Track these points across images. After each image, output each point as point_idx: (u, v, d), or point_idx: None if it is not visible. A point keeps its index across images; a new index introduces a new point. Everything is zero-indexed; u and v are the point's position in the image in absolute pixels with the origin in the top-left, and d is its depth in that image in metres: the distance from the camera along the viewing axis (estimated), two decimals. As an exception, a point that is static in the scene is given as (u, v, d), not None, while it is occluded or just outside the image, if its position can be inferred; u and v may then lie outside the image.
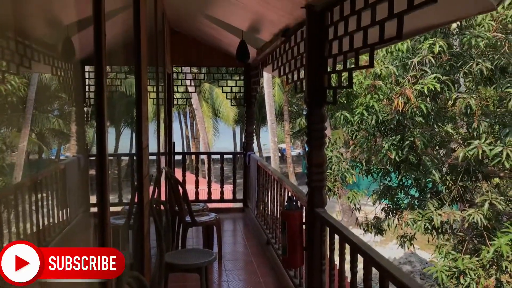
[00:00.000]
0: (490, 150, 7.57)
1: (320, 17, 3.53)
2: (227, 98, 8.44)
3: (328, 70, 3.53)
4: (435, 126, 9.70)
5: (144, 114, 3.25)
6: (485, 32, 8.22)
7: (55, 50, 3.49)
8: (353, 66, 2.96)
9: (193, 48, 7.73)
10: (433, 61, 8.39)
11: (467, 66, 8.28)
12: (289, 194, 4.75)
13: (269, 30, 5.12)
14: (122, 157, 8.57)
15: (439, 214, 8.63)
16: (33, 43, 3.04)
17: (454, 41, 9.08)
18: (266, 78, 17.22)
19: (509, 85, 7.96)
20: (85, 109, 4.29)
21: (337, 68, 3.55)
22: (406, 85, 8.26)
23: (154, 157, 5.30)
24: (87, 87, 4.25)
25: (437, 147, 10.04)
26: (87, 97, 4.32)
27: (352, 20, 2.90)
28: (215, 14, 5.54)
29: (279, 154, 23.56)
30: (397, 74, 9.00)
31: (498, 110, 8.68)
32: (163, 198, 4.94)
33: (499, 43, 8.30)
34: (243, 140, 8.63)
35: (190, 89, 13.32)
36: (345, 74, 3.94)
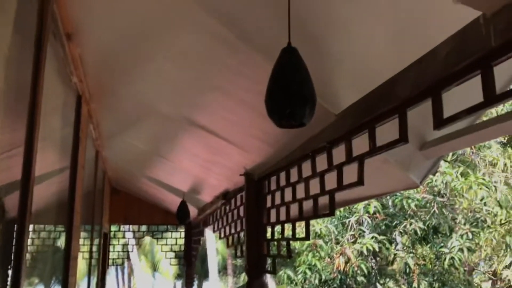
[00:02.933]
0: (433, 311, 7.53)
1: (258, 185, 3.64)
2: (166, 258, 8.14)
3: (268, 237, 3.52)
4: (378, 284, 9.66)
5: (71, 286, 3.02)
6: (414, 193, 8.77)
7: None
8: (290, 237, 2.98)
9: (133, 206, 7.63)
10: (369, 221, 8.70)
11: (402, 226, 8.61)
12: None
13: (209, 192, 5.20)
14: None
15: None
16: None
17: (387, 202, 9.58)
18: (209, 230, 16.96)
19: (442, 244, 8.27)
20: (9, 272, 3.95)
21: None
22: (345, 245, 8.38)
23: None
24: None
25: (381, 307, 9.87)
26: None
27: (288, 191, 3.00)
28: (156, 176, 5.61)
29: (222, 314, 22.17)
30: (336, 232, 9.18)
31: (435, 268, 8.85)
32: None
33: (428, 204, 8.82)
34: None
35: (130, 242, 12.87)
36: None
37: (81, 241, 5.07)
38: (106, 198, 6.46)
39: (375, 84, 1.87)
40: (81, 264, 4.82)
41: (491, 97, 1.23)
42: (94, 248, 5.88)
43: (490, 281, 11.61)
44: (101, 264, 6.66)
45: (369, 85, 1.91)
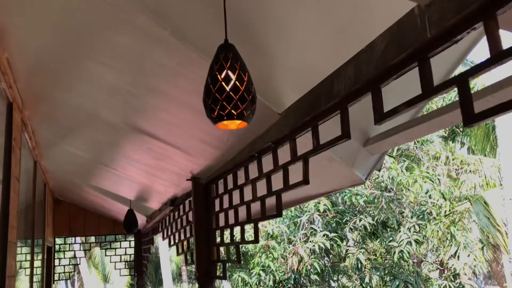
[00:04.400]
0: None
1: (206, 189, 3.56)
2: (115, 269, 7.87)
3: (217, 242, 3.45)
4: (331, 281, 9.78)
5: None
6: (363, 189, 8.95)
7: None
8: (239, 240, 2.91)
9: (78, 217, 7.33)
10: (320, 219, 8.79)
11: (352, 222, 8.76)
12: None
13: (157, 199, 5.06)
14: None
15: None
16: None
17: (337, 199, 9.72)
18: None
19: (391, 238, 8.47)
20: None
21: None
22: (298, 244, 8.43)
23: None
24: None
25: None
26: None
27: (236, 193, 2.94)
28: (101, 185, 5.40)
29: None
30: (288, 232, 9.21)
31: (386, 262, 9.06)
32: None
33: (376, 199, 9.02)
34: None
35: (78, 254, 12.49)
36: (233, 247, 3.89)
37: (22, 257, 4.79)
38: (48, 210, 6.15)
39: (316, 81, 1.84)
40: (23, 282, 4.55)
41: (429, 89, 1.22)
42: (37, 264, 5.58)
43: (438, 271, 12.05)
44: (45, 280, 6.34)
45: (311, 82, 1.88)
